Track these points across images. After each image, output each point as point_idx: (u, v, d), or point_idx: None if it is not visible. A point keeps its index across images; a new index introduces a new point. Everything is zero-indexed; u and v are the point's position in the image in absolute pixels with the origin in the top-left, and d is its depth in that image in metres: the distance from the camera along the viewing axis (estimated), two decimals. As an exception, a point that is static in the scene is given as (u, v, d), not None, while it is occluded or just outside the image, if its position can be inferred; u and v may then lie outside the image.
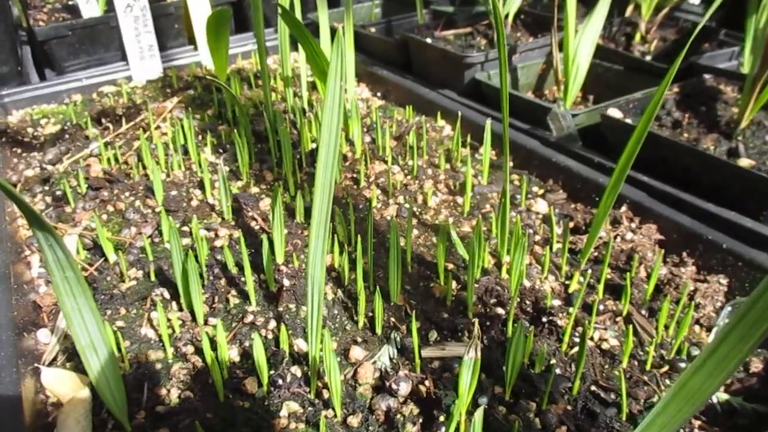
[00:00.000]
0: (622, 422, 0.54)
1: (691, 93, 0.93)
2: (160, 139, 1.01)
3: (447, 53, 1.09)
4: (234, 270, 0.70)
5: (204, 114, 1.09)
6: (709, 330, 0.65)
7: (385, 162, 0.90)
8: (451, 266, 0.71)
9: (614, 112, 0.88)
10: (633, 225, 0.77)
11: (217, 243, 0.74)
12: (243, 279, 0.69)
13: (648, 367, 0.59)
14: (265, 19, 1.54)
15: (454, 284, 0.68)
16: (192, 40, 1.45)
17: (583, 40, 1.01)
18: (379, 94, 1.21)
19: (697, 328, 0.65)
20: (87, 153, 0.99)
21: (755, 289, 0.33)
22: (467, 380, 0.50)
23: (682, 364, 0.58)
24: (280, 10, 0.85)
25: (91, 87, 1.29)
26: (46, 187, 0.93)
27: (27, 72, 1.37)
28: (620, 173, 0.62)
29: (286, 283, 0.67)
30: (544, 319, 0.62)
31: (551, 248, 0.73)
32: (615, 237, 0.75)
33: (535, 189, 0.87)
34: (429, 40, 1.14)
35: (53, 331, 0.67)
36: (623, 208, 0.79)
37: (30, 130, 1.13)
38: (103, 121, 1.10)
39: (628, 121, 0.87)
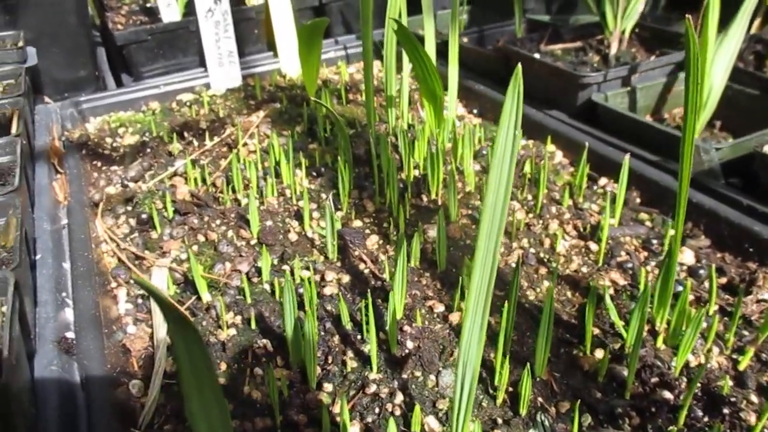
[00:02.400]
0: None
1: None
2: (248, 158, 0.94)
3: (559, 71, 0.99)
4: (349, 326, 0.62)
5: (293, 130, 1.01)
6: None
7: (502, 196, 0.80)
8: (596, 331, 0.61)
9: (772, 150, 0.77)
10: (802, 285, 0.66)
11: (327, 290, 0.66)
12: (359, 337, 0.60)
13: None
14: (345, 24, 1.47)
15: (601, 353, 0.59)
16: (271, 46, 1.38)
17: (718, 60, 0.90)
18: (474, 110, 1.12)
19: None
20: (171, 171, 0.93)
21: None
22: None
23: None
24: (393, 25, 0.76)
25: (169, 94, 1.23)
26: (129, 208, 0.87)
27: (102, 76, 1.33)
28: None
29: (410, 345, 0.59)
30: (726, 411, 0.52)
31: (708, 311, 0.63)
32: (781, 299, 0.65)
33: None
34: (537, 55, 1.04)
35: (148, 385, 0.60)
36: (788, 264, 0.68)
37: (109, 140, 1.07)
38: (186, 134, 1.03)
39: (787, 159, 0.76)
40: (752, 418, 0.52)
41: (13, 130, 0.85)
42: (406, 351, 0.58)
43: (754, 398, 0.54)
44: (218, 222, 0.80)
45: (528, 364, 0.53)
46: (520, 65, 0.42)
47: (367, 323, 0.60)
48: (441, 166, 0.79)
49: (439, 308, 0.63)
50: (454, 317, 0.62)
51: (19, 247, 0.60)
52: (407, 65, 0.85)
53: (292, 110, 1.08)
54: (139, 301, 0.71)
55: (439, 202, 0.80)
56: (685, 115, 0.51)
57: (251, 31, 1.36)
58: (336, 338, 0.60)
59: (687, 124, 0.51)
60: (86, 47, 1.25)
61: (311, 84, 1.02)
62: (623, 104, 0.99)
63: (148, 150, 1.01)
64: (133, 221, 0.84)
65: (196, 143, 1.01)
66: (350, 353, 0.59)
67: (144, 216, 0.83)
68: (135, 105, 1.21)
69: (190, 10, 1.33)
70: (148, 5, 1.42)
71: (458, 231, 0.74)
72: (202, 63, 1.31)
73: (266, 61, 1.34)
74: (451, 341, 0.60)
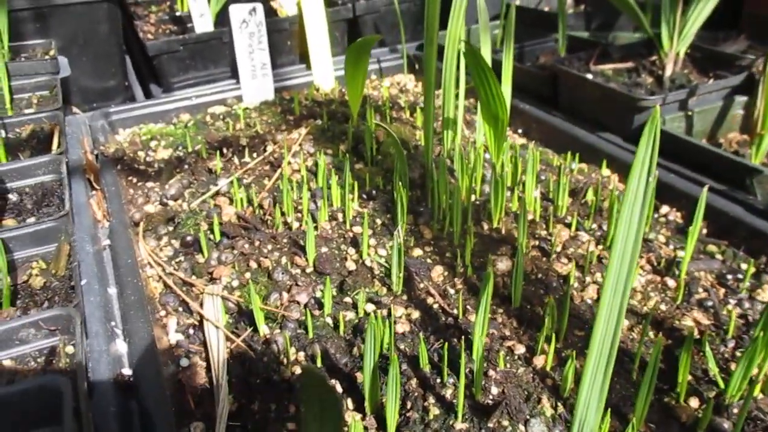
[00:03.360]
0: None
1: None
2: (293, 177, 0.91)
3: (614, 93, 0.95)
4: (427, 368, 0.58)
5: (337, 149, 0.98)
6: None
7: (568, 226, 0.77)
8: (688, 377, 0.58)
9: None
10: None
11: (399, 327, 0.62)
12: (439, 380, 0.57)
13: None
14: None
15: (695, 401, 0.55)
16: (303, 58, 1.35)
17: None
18: (519, 131, 1.09)
19: None
20: (215, 191, 0.89)
21: None
22: None
23: None
24: (463, 48, 0.73)
25: (200, 106, 1.20)
26: (171, 228, 0.84)
27: (130, 87, 1.29)
28: None
29: (494, 390, 0.55)
30: None
31: (802, 356, 0.60)
32: None
33: (743, 266, 0.73)
34: (590, 76, 1.01)
35: (209, 427, 0.56)
36: None
37: (141, 154, 1.03)
38: (225, 150, 1.00)
39: None
40: None
41: (54, 146, 0.81)
42: (492, 397, 0.54)
43: None
44: (270, 247, 0.77)
45: (627, 416, 0.49)
46: (657, 108, 0.39)
47: (449, 366, 0.56)
48: (504, 193, 0.76)
49: (520, 349, 0.59)
50: (539, 361, 0.58)
51: (78, 281, 0.56)
52: (448, 79, 0.81)
53: (335, 127, 1.05)
54: (191, 331, 0.68)
55: (503, 231, 0.77)
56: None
57: (284, 43, 1.33)
58: (414, 381, 0.57)
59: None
60: (117, 56, 1.22)
61: (355, 102, 0.98)
62: (680, 128, 0.96)
63: (186, 166, 0.97)
64: (176, 243, 0.81)
65: (236, 161, 0.97)
66: (431, 398, 0.55)
67: (189, 238, 0.80)
68: (165, 117, 1.18)
69: (221, 19, 1.29)
70: (177, 14, 1.39)
71: (529, 264, 0.70)
72: (234, 75, 1.28)
73: (299, 73, 1.31)
74: (537, 387, 0.56)
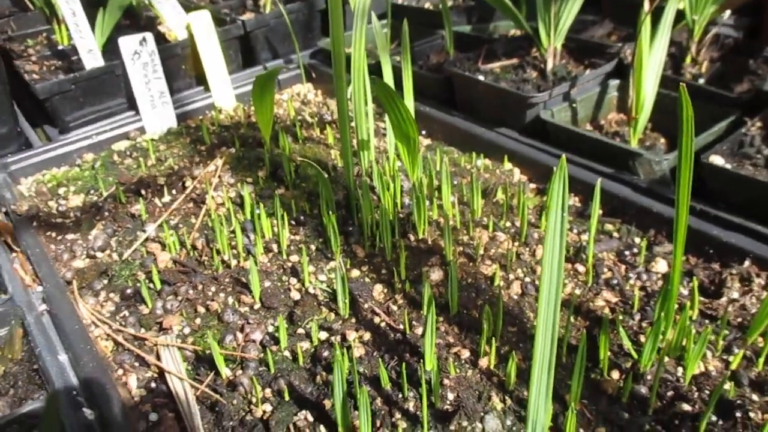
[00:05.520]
0: None
1: (773, 126, 0.93)
2: (219, 212, 0.93)
3: (506, 92, 1.04)
4: (388, 386, 0.64)
5: (256, 176, 1.01)
6: None
7: (486, 228, 0.85)
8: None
9: (717, 159, 0.86)
10: (762, 281, 0.75)
11: (356, 352, 0.68)
12: (400, 396, 0.63)
13: None
14: (271, 49, 1.46)
15: (616, 374, 0.65)
16: (200, 80, 1.35)
17: (649, 66, 0.98)
18: (423, 132, 1.16)
19: None
20: (145, 237, 0.90)
21: None
22: None
23: None
24: (365, 80, 0.78)
25: (103, 143, 1.18)
26: (105, 281, 0.84)
27: (23, 132, 1.24)
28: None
29: (450, 396, 0.62)
30: (738, 414, 0.59)
31: (693, 317, 0.71)
32: (750, 295, 0.73)
33: (637, 240, 0.84)
34: (481, 77, 1.09)
35: (197, 478, 0.60)
36: (746, 263, 0.77)
37: (52, 204, 1.02)
38: (144, 192, 1.00)
39: (728, 166, 0.85)
40: (759, 416, 0.59)
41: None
42: (448, 402, 0.61)
43: (755, 397, 0.62)
44: (213, 289, 0.79)
45: (564, 397, 0.58)
46: (564, 159, 0.46)
47: (404, 380, 0.63)
48: (425, 205, 0.83)
49: (465, 354, 0.67)
50: (483, 362, 0.66)
51: (46, 368, 0.57)
52: (358, 103, 0.86)
53: (249, 154, 1.07)
54: (152, 385, 0.70)
55: (429, 241, 0.83)
56: (679, 154, 0.57)
57: (179, 68, 1.32)
58: (379, 400, 0.63)
59: (683, 157, 0.57)
60: (5, 102, 1.17)
61: (267, 130, 1.01)
62: (567, 117, 1.06)
63: (106, 213, 0.97)
64: (115, 297, 0.81)
65: (158, 201, 0.98)
66: (397, 414, 0.61)
67: (128, 291, 0.81)
68: (68, 159, 1.16)
69: (109, 49, 1.27)
70: (60, 48, 1.34)
71: (458, 270, 0.77)
72: (132, 106, 1.26)
73: (197, 96, 1.31)
74: (486, 386, 0.64)
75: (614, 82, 1.11)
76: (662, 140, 1.07)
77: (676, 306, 0.73)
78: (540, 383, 0.48)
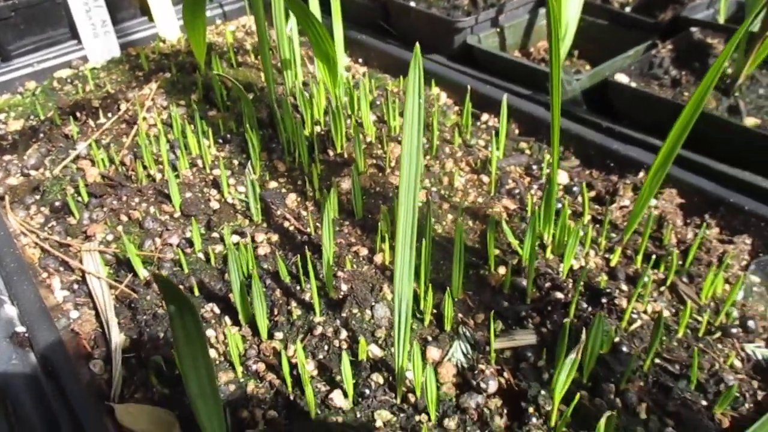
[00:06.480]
0: (693, 392, 0.58)
1: (684, 49, 0.96)
2: (150, 132, 0.96)
3: (435, 18, 1.07)
4: (287, 279, 0.69)
5: (189, 100, 1.03)
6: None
7: (399, 142, 0.89)
8: (496, 251, 0.72)
9: (621, 78, 0.90)
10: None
11: (260, 251, 0.72)
12: (299, 288, 0.68)
13: (701, 334, 0.63)
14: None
15: (503, 269, 0.70)
16: (144, 10, 1.35)
17: (571, -4, 1.01)
18: (360, 60, 1.18)
19: (727, 287, 0.69)
20: (75, 155, 0.93)
21: None
22: (564, 378, 0.52)
23: (734, 330, 0.63)
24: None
25: (45, 71, 1.20)
26: (37, 197, 0.88)
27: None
28: (669, 152, 0.64)
29: (344, 287, 0.67)
30: (604, 300, 0.65)
31: (583, 221, 0.76)
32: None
33: (547, 156, 0.89)
34: (413, 4, 1.11)
35: (107, 361, 0.65)
36: (641, 174, 0.82)
37: (-8, 128, 1.04)
38: (79, 115, 1.02)
39: (633, 85, 0.89)
40: (624, 303, 0.65)
41: None
42: (342, 293, 0.66)
43: (624, 287, 0.67)
44: (137, 200, 0.83)
45: (447, 288, 0.63)
46: (417, 48, 0.50)
47: (305, 274, 0.68)
48: (342, 122, 0.86)
49: (364, 252, 0.71)
50: (378, 258, 0.70)
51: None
52: (279, 23, 0.89)
53: (184, 79, 1.09)
54: (75, 287, 0.74)
55: (345, 155, 0.87)
56: (550, 55, 0.61)
57: (122, -3, 1.32)
58: (278, 292, 0.67)
59: (553, 62, 0.61)
60: (-56, 30, 1.17)
61: (200, 52, 1.03)
62: (495, 44, 1.09)
63: (41, 135, 0.99)
64: (45, 210, 0.85)
65: (92, 123, 1.00)
66: (293, 303, 0.66)
67: (57, 203, 0.84)
68: (10, 87, 1.17)
69: (51, -21, 1.27)
70: (1, -23, 1.33)
71: (368, 180, 0.82)
72: (75, 35, 1.27)
73: (142, 27, 1.32)
74: (379, 279, 0.69)
75: (544, 10, 1.13)
76: (588, 67, 1.11)
77: (570, 212, 0.78)
78: (404, 259, 0.52)
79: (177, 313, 0.39)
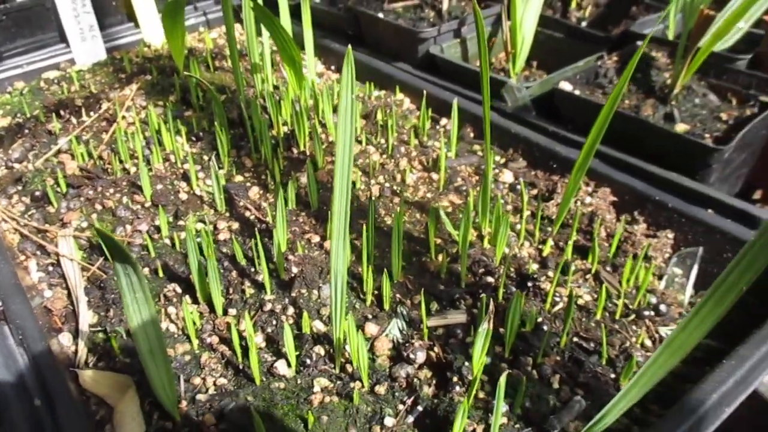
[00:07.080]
0: (603, 366, 0.64)
1: (628, 60, 1.03)
2: (128, 130, 1.02)
3: (400, 29, 1.13)
4: (243, 262, 0.75)
5: (167, 100, 1.10)
6: (660, 278, 0.76)
7: (360, 143, 0.95)
8: (438, 241, 0.79)
9: (566, 86, 0.97)
10: (590, 189, 0.87)
11: (221, 236, 0.78)
12: (253, 269, 0.74)
13: (618, 317, 0.69)
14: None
15: (441, 257, 0.76)
16: (131, 17, 1.42)
17: (528, 9, 1.08)
18: (333, 67, 1.25)
19: (650, 277, 0.75)
20: (56, 150, 0.99)
21: (730, 263, 0.43)
22: (480, 347, 0.59)
23: (646, 312, 0.69)
24: (251, 3, 0.87)
25: (34, 73, 1.26)
26: (20, 187, 0.94)
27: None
28: (590, 148, 0.71)
29: (295, 270, 0.73)
30: (529, 284, 0.71)
31: (522, 216, 0.82)
32: (576, 201, 0.85)
33: (497, 159, 0.95)
34: (381, 15, 1.18)
35: (75, 334, 0.71)
36: (579, 174, 0.88)
37: (-20, 124, 1.10)
38: (63, 112, 1.09)
39: (578, 92, 0.96)
40: (547, 286, 0.71)
41: None
42: (293, 275, 0.72)
43: (551, 274, 0.73)
44: (112, 191, 0.89)
45: (387, 271, 0.69)
46: (350, 50, 0.56)
47: (258, 257, 0.74)
48: (305, 122, 0.93)
49: (316, 239, 0.78)
50: (328, 244, 0.77)
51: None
52: (249, 29, 0.96)
53: (164, 81, 1.16)
54: (50, 268, 0.80)
55: (308, 153, 0.94)
56: (481, 63, 0.67)
57: (109, 3, 1.39)
58: (234, 273, 0.74)
59: (483, 71, 0.67)
60: (-62, 32, 1.24)
61: (179, 56, 1.10)
62: (457, 54, 1.16)
63: (27, 131, 1.06)
64: (26, 199, 0.91)
65: (74, 121, 1.07)
66: (247, 283, 0.72)
67: (38, 193, 0.90)
68: None
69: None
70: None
71: (325, 176, 0.88)
72: (63, 39, 1.34)
73: (128, 32, 1.39)
74: (328, 263, 0.75)
75: (507, 24, 1.20)
76: (545, 76, 1.18)
77: (512, 208, 0.85)
78: (338, 237, 0.58)
79: (122, 269, 0.45)
